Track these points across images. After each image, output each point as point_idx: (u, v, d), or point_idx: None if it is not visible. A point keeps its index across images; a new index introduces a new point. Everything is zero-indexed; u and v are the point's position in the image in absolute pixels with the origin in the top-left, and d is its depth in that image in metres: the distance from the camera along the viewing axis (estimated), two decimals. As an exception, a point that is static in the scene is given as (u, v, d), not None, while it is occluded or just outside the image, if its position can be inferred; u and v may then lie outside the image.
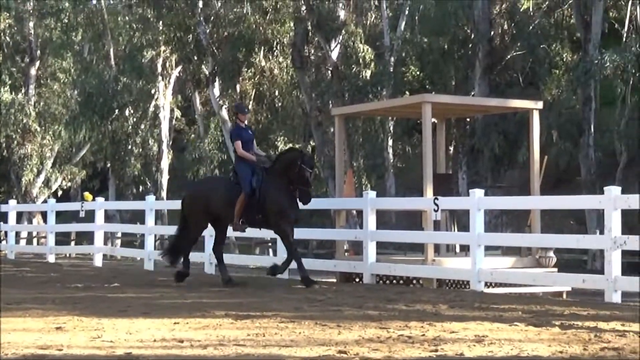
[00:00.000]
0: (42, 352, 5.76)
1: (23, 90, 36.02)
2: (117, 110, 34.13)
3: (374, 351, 5.61)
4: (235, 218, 11.28)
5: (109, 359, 5.44)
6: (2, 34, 35.51)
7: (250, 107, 32.86)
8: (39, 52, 36.48)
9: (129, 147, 35.06)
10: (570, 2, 28.65)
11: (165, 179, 34.30)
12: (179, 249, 12.09)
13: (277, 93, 33.61)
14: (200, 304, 9.09)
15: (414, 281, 12.55)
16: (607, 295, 9.50)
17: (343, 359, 5.54)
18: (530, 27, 29.02)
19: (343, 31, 29.94)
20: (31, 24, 35.78)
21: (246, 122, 12.18)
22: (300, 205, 11.52)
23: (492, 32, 28.03)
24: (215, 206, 11.60)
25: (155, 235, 18.45)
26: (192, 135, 37.69)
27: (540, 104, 13.86)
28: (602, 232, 9.85)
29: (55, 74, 37.35)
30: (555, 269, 12.14)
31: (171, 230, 26.57)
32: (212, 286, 11.90)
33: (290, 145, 36.05)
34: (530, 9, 31.11)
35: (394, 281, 12.57)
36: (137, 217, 25.05)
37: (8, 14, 35.37)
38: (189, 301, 9.45)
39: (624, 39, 27.22)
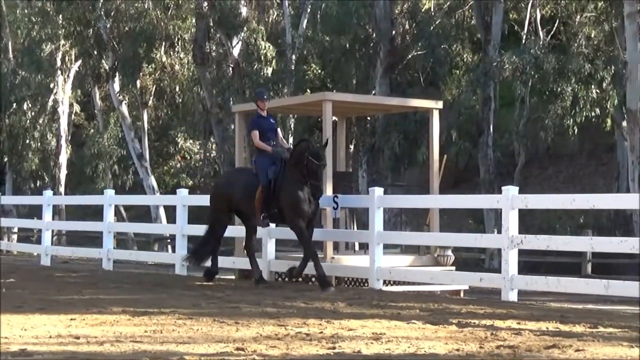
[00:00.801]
0: None
1: None
2: (14, 104, 34.06)
3: (272, 348, 5.64)
4: (257, 213, 10.77)
5: (3, 355, 5.31)
6: None
7: (150, 102, 32.94)
8: None
9: (27, 141, 35.02)
10: (471, 3, 29.25)
11: (63, 174, 34.27)
12: (204, 250, 11.58)
13: (177, 89, 33.67)
14: (97, 300, 9.03)
15: (313, 279, 12.67)
16: (504, 293, 9.69)
17: (241, 355, 5.53)
18: (432, 28, 29.43)
19: (245, 28, 30.11)
20: None
21: (265, 110, 11.40)
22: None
23: (394, 32, 28.30)
24: (236, 200, 11.11)
25: (52, 231, 18.51)
26: (92, 131, 37.51)
27: (440, 104, 14.02)
28: (499, 232, 10.06)
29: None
30: (453, 268, 12.34)
31: (69, 225, 26.04)
32: (110, 282, 11.77)
33: (191, 141, 36.33)
34: (432, 9, 31.61)
35: (293, 279, 12.67)
36: (35, 212, 24.96)
37: None
38: (85, 297, 9.41)
39: (524, 41, 27.81)
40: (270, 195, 10.58)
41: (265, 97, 11.61)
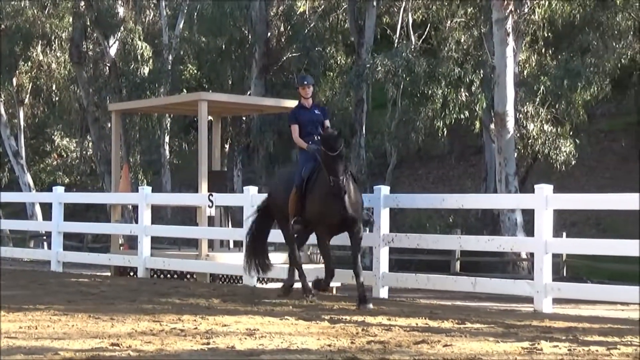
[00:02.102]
0: None
1: None
2: None
3: (147, 344, 5.63)
4: (290, 216, 9.24)
5: None
6: None
7: (26, 100, 32.90)
8: None
9: None
10: (345, 7, 29.60)
11: None
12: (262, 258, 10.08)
13: (54, 87, 33.57)
14: (-28, 296, 8.95)
15: (188, 275, 12.70)
16: (375, 290, 9.89)
17: (116, 351, 5.50)
18: (306, 30, 29.84)
19: (122, 28, 30.13)
20: None
21: (310, 98, 9.59)
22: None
23: (269, 34, 28.66)
24: (280, 202, 9.61)
25: None
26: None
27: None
28: (371, 230, 10.30)
29: None
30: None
31: None
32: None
33: (68, 139, 35.94)
34: (307, 12, 32.00)
35: (169, 275, 12.68)
36: None
37: None
38: (-41, 294, 9.33)
39: (396, 45, 28.12)
40: (302, 197, 9.18)
41: (306, 82, 9.67)
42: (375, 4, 28.63)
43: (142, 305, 8.14)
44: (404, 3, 30.12)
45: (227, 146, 26.78)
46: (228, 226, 14.03)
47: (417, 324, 7.62)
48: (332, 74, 30.41)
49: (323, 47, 30.47)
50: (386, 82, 26.77)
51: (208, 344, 5.92)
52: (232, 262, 12.06)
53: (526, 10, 25.09)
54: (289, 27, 30.31)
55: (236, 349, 5.83)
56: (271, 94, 26.34)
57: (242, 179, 26.10)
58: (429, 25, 30.85)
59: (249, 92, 27.17)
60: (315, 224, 9.07)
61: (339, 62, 30.81)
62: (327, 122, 9.52)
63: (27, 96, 33.23)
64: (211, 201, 12.37)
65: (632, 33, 26.53)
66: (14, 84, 32.13)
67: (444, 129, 26.42)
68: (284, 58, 29.41)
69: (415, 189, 28.51)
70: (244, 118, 26.40)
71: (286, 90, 28.48)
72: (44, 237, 24.02)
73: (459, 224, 25.32)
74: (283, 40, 30.27)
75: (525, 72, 26.55)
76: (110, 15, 29.70)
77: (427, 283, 10.51)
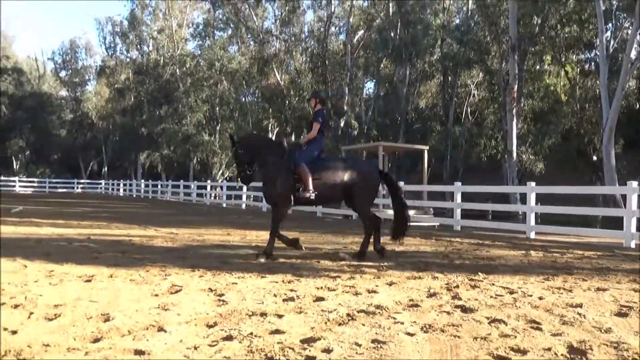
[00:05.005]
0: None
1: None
2: None
3: None
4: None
5: None
6: None
7: None
8: None
9: None
10: (441, 105, 34.03)
11: None
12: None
13: None
14: None
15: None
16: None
17: None
18: (424, 114, 35.11)
19: (346, 113, 32.63)
20: None
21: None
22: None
23: (407, 118, 31.93)
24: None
25: None
26: None
27: None
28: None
29: None
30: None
31: None
32: None
33: None
34: (425, 105, 36.78)
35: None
36: None
37: None
38: None
39: (462, 120, 32.54)
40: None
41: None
42: (452, 104, 33.44)
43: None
44: (466, 103, 35.46)
45: (389, 165, 24.71)
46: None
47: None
48: (434, 134, 34.33)
49: (431, 123, 35.55)
50: (459, 137, 32.17)
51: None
52: None
53: (522, 104, 27.10)
54: (417, 115, 35.02)
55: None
56: (413, 142, 29.52)
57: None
58: (476, 112, 35.65)
59: (399, 141, 30.48)
60: None
61: (437, 129, 34.69)
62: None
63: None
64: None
65: (570, 116, 28.79)
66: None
67: (484, 158, 30.93)
68: (414, 127, 35.03)
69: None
70: (396, 153, 26.92)
71: (420, 141, 31.44)
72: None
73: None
74: (415, 115, 35.24)
75: (521, 132, 27.61)
76: (340, 106, 33.41)
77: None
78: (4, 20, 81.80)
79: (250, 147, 7.42)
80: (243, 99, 40.72)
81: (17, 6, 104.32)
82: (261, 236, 10.08)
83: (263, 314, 4.23)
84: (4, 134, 51.44)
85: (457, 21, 33.86)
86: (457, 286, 5.47)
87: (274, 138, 31.54)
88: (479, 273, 6.25)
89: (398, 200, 7.55)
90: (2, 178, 42.85)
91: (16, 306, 4.38)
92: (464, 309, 4.50)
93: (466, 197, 16.02)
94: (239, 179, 8.31)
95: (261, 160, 7.39)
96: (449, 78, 33.23)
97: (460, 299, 4.90)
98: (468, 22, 32.05)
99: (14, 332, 3.70)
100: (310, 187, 7.23)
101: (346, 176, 7.36)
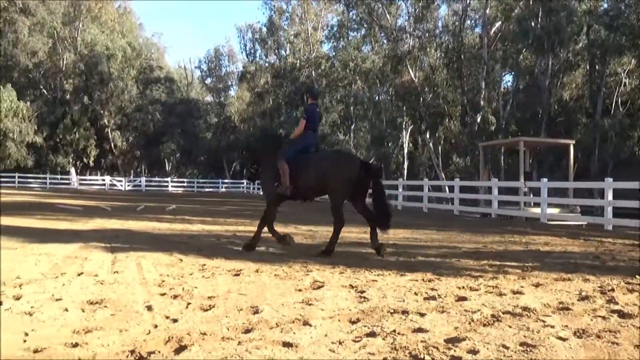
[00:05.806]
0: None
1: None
2: None
3: None
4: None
5: None
6: None
7: None
8: None
9: None
10: (587, 94, 34.12)
11: None
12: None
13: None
14: None
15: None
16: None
17: None
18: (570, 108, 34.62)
19: (482, 109, 31.80)
20: None
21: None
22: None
23: (550, 112, 31.23)
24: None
25: None
26: None
27: None
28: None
29: None
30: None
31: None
32: None
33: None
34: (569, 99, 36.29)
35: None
36: None
37: None
38: None
39: (612, 112, 33.18)
40: None
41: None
42: (601, 94, 32.10)
43: None
44: (616, 93, 34.62)
45: (530, 160, 24.94)
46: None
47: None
48: (580, 127, 33.94)
49: (576, 116, 34.23)
50: (608, 130, 31.75)
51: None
52: None
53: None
54: (560, 108, 33.49)
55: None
56: (556, 137, 28.06)
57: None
58: (628, 102, 35.66)
59: (541, 135, 29.14)
60: None
61: (583, 122, 34.31)
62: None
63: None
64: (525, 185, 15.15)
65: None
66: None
67: (639, 152, 31.85)
68: (557, 120, 33.11)
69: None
70: (537, 148, 27.63)
71: (564, 135, 30.19)
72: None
73: None
74: (558, 108, 33.42)
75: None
76: (477, 101, 32.72)
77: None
78: (157, 35, 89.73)
79: (251, 148, 8.02)
80: (377, 97, 41.31)
81: (169, 20, 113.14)
82: (398, 234, 10.31)
83: (405, 312, 4.23)
84: (158, 139, 55.93)
85: (605, 5, 33.11)
86: (612, 289, 5.23)
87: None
88: (637, 276, 5.93)
89: (378, 190, 7.25)
90: (157, 179, 47.86)
91: (175, 296, 4.71)
92: (622, 315, 4.29)
93: (618, 194, 15.67)
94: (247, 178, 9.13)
95: (259, 158, 7.90)
96: (597, 67, 32.86)
97: (616, 303, 4.68)
98: (618, 5, 30.92)
99: (175, 320, 3.97)
100: (287, 182, 7.32)
101: (322, 169, 7.28)
